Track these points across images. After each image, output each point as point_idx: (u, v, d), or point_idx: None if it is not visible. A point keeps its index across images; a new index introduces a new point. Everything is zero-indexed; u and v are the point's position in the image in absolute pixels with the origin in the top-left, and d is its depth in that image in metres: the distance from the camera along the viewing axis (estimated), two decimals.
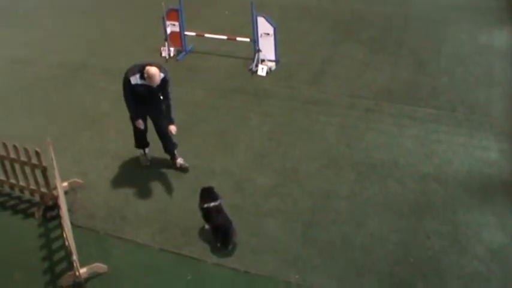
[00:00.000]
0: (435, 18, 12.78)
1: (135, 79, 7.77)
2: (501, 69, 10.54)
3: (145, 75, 7.66)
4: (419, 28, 12.39)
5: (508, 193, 7.54)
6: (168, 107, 7.96)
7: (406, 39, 11.93)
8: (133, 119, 8.18)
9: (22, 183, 7.77)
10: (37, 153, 7.25)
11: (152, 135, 8.38)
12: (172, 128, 7.91)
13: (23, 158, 7.51)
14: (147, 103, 8.03)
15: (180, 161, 8.44)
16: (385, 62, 11.03)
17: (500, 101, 9.59)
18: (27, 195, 7.89)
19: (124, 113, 8.99)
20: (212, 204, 7.08)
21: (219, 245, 6.96)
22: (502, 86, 10.00)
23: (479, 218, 7.17)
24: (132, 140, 8.51)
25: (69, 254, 6.60)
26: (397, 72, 10.62)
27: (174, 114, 7.95)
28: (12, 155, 7.59)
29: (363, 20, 13.01)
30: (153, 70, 7.65)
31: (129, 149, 8.79)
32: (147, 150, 8.64)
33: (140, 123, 8.14)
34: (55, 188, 7.39)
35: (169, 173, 8.31)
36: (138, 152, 8.68)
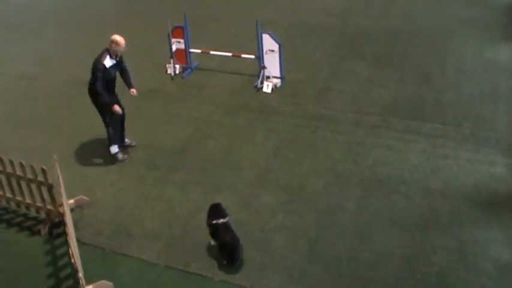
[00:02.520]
0: (440, 34, 12.89)
1: (108, 61, 8.54)
2: (506, 84, 10.60)
3: (113, 45, 8.51)
4: (424, 43, 12.49)
5: None
6: (129, 75, 9.08)
7: (411, 54, 12.04)
8: (109, 106, 8.69)
9: (28, 200, 7.85)
10: (43, 171, 7.34)
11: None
12: (134, 91, 9.05)
13: (30, 176, 7.60)
14: (112, 90, 8.87)
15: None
16: (390, 77, 11.12)
17: (506, 115, 9.64)
18: (33, 212, 7.96)
19: (132, 129, 9.14)
20: (221, 221, 7.10)
21: (225, 262, 6.99)
22: (507, 101, 10.06)
23: (486, 233, 7.17)
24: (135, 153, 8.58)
25: (75, 271, 6.65)
26: (403, 88, 10.69)
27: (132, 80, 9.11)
28: (19, 172, 7.69)
29: (367, 35, 13.14)
30: (117, 36, 8.58)
31: (135, 165, 8.89)
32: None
33: (117, 108, 8.76)
34: (61, 205, 7.46)
35: (175, 189, 8.38)
36: (112, 149, 9.17)
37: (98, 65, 8.47)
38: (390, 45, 12.56)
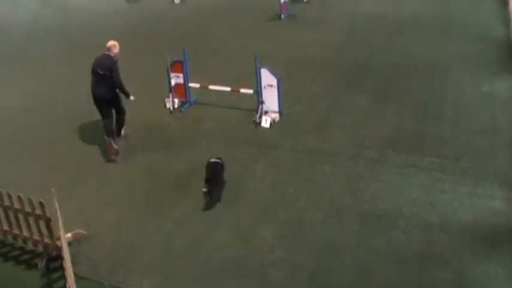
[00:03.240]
0: (438, 68, 13.13)
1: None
2: (504, 117, 10.76)
3: (115, 49, 10.42)
4: (422, 78, 12.72)
5: None
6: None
7: (410, 88, 12.24)
8: (129, 94, 10.57)
9: (26, 233, 7.90)
10: (41, 204, 7.41)
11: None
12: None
13: (27, 209, 7.66)
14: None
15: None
16: (389, 111, 11.28)
17: (504, 149, 9.77)
18: (30, 245, 8.01)
19: (130, 164, 9.25)
20: (212, 159, 9.17)
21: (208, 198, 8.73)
22: (505, 135, 10.21)
23: (486, 268, 7.23)
24: (137, 189, 8.65)
25: None
26: (401, 122, 10.85)
27: None
28: (17, 206, 7.75)
29: (366, 70, 13.37)
30: (111, 41, 10.49)
31: (134, 200, 8.96)
32: None
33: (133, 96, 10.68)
34: (59, 238, 7.51)
35: (175, 223, 8.45)
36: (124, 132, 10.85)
37: (115, 63, 10.36)
38: (389, 79, 12.77)
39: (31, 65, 15.45)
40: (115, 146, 10.30)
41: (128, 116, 10.90)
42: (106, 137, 10.42)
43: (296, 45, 15.31)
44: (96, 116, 11.57)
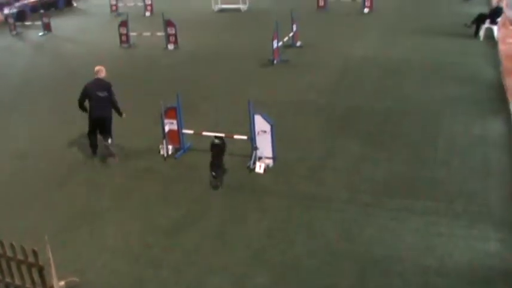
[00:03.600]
0: (430, 112, 13.32)
1: None
2: (497, 159, 10.90)
3: (99, 72, 12.10)
4: (414, 121, 12.90)
5: (511, 285, 7.63)
6: None
7: (402, 132, 12.40)
8: (121, 113, 12.21)
9: (18, 282, 7.86)
10: (34, 252, 7.41)
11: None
12: None
13: (20, 257, 7.65)
14: None
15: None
16: (382, 155, 11.41)
17: (497, 190, 9.87)
18: None
19: (125, 209, 9.27)
20: (215, 141, 10.75)
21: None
22: (498, 176, 10.32)
23: None
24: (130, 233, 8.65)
25: None
26: (394, 166, 10.96)
27: None
28: (9, 254, 7.73)
29: (359, 114, 13.55)
30: (98, 66, 12.25)
31: (128, 246, 8.96)
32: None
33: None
34: (52, 287, 7.48)
35: (170, 270, 8.42)
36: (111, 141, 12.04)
37: (110, 85, 12.00)
38: (381, 123, 12.94)
39: (25, 111, 15.63)
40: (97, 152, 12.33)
41: (117, 161, 11.84)
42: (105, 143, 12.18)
43: (289, 90, 15.54)
44: (90, 162, 11.72)
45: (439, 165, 10.84)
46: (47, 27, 26.09)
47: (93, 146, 12.28)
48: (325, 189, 10.34)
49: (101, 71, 12.13)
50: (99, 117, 11.93)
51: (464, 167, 10.70)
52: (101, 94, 11.82)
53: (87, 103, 12.11)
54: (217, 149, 10.66)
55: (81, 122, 13.70)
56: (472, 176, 10.37)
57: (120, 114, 12.20)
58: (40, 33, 25.92)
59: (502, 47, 17.55)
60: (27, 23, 28.45)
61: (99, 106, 11.88)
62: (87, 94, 11.95)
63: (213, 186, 10.46)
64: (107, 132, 12.08)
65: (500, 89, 14.28)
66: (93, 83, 12.00)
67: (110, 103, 11.96)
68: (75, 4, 33.33)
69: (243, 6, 27.02)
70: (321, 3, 25.75)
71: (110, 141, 12.11)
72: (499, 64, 16.17)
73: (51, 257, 7.43)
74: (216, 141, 10.73)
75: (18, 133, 14.08)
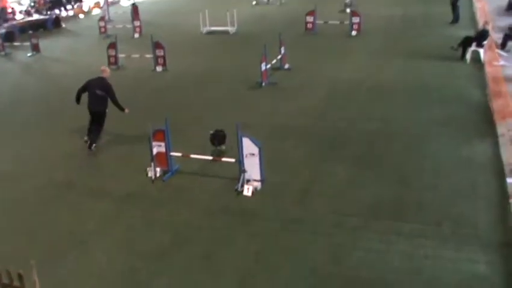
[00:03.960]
0: (417, 134, 13.44)
1: None
2: (484, 181, 10.98)
3: (103, 71, 13.76)
4: (401, 144, 12.98)
5: None
6: None
7: (389, 155, 12.48)
8: (123, 109, 13.68)
9: None
10: (20, 276, 7.34)
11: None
12: None
13: (5, 281, 7.57)
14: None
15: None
16: (369, 178, 11.46)
17: (485, 213, 9.94)
18: None
19: (112, 234, 9.23)
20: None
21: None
22: (486, 198, 10.39)
23: None
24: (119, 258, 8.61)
25: None
26: (382, 189, 11.01)
27: None
28: None
29: (346, 137, 13.62)
30: (103, 66, 14.23)
31: (115, 271, 8.91)
32: None
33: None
34: None
35: None
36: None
37: (110, 85, 13.47)
38: (368, 146, 13.02)
39: (11, 132, 15.59)
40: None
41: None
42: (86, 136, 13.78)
43: (277, 113, 15.62)
44: (77, 185, 11.70)
45: (426, 188, 10.89)
46: (35, 48, 26.14)
47: (89, 131, 13.79)
48: (312, 213, 10.36)
49: (105, 71, 13.75)
50: (92, 111, 13.57)
51: (452, 190, 10.76)
52: (99, 92, 13.35)
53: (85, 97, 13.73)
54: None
55: (67, 144, 13.72)
56: (460, 199, 10.43)
57: (122, 110, 13.65)
58: (29, 54, 25.96)
59: (488, 70, 17.79)
60: (15, 44, 28.47)
61: (94, 102, 13.50)
62: (86, 89, 13.65)
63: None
64: (97, 126, 13.71)
65: (487, 111, 14.42)
66: (95, 80, 13.62)
67: (105, 101, 13.47)
68: (64, 25, 33.39)
69: (231, 29, 27.16)
70: (309, 25, 25.90)
71: (93, 147, 13.55)
72: (485, 86, 16.34)
73: (37, 281, 7.37)
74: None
75: (3, 154, 14.02)
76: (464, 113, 14.55)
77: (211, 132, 13.01)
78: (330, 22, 25.79)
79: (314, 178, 11.70)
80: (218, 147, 12.86)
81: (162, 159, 12.14)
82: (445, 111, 14.74)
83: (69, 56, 25.31)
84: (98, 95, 13.44)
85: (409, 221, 9.82)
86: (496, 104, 14.45)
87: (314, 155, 12.79)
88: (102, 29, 29.18)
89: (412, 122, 14.26)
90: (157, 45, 21.14)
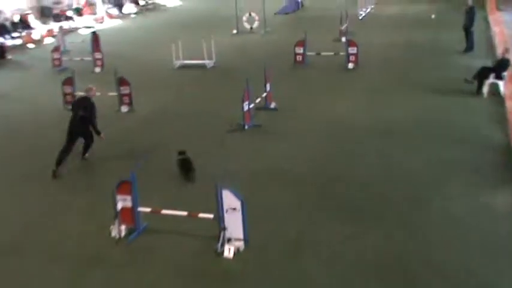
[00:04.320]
0: (422, 180, 13.59)
1: None
2: (506, 235, 11.04)
3: (89, 91, 15.62)
4: (405, 192, 13.10)
5: None
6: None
7: (391, 205, 12.57)
8: (99, 133, 15.24)
9: None
10: None
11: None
12: None
13: None
14: None
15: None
16: (369, 233, 11.50)
17: (508, 273, 9.95)
18: None
19: None
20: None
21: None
22: (509, 254, 10.44)
23: None
24: None
25: None
26: (384, 245, 11.05)
27: None
28: None
29: (340, 185, 13.73)
30: (89, 85, 15.91)
31: None
32: None
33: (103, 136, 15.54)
34: None
35: None
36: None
37: (94, 105, 15.21)
38: (366, 194, 13.12)
39: None
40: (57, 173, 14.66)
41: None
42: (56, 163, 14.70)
43: (262, 158, 15.69)
44: (24, 249, 11.57)
45: (437, 244, 10.93)
46: None
47: (58, 161, 14.75)
48: (304, 276, 10.35)
49: (91, 90, 15.62)
50: (73, 131, 15.06)
51: (468, 246, 10.82)
52: (82, 113, 14.95)
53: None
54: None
55: (17, 196, 13.59)
56: (477, 257, 10.47)
57: (98, 134, 15.26)
58: None
59: (509, 105, 17.97)
60: None
61: (75, 122, 15.06)
62: (71, 109, 15.50)
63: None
64: (86, 141, 15.51)
65: (508, 153, 14.60)
66: (80, 100, 15.68)
67: (88, 122, 15.04)
68: (9, 56, 33.08)
69: (208, 62, 27.26)
70: (299, 58, 26.16)
71: (86, 155, 15.68)
72: (506, 124, 16.51)
73: None
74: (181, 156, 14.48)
75: None
76: (480, 155, 14.73)
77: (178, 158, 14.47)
78: (323, 53, 26.10)
79: (304, 233, 11.67)
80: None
81: (128, 215, 12.06)
82: (458, 152, 14.92)
83: (18, 93, 24.91)
84: (80, 116, 15.00)
85: (418, 283, 9.82)
86: None
87: (304, 206, 12.77)
88: (56, 62, 28.75)
89: (416, 165, 14.41)
90: (121, 82, 21.10)
